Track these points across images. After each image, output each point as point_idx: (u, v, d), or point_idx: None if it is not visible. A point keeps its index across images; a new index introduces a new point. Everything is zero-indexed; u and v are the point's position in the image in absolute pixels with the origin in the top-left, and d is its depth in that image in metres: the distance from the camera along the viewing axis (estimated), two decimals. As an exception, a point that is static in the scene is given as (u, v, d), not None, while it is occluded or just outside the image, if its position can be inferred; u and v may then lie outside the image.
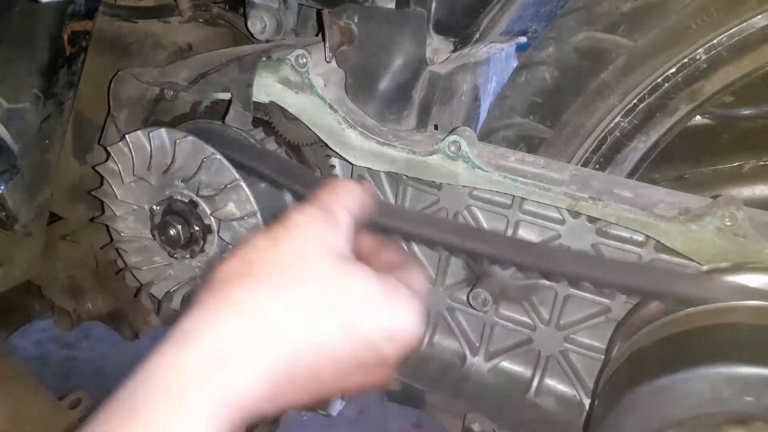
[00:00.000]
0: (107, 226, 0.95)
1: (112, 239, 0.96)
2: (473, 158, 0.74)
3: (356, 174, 0.88)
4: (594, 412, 0.67)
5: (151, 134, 0.85)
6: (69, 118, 1.09)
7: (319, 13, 0.86)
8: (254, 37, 0.97)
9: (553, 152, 0.90)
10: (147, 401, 0.42)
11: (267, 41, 0.98)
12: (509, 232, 0.80)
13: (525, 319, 0.84)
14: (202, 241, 0.87)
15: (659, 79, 0.84)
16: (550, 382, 0.85)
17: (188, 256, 0.89)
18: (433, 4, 0.78)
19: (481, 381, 0.87)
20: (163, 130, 0.86)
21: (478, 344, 0.88)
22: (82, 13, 0.96)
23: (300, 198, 0.78)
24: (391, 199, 0.87)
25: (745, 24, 0.78)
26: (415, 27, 0.79)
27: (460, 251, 0.72)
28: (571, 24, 0.88)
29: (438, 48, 0.81)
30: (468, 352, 0.88)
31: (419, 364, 0.89)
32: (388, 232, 0.68)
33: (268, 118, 0.89)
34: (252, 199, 0.83)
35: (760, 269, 0.63)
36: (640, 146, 0.88)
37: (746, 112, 1.03)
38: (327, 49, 0.78)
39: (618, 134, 0.88)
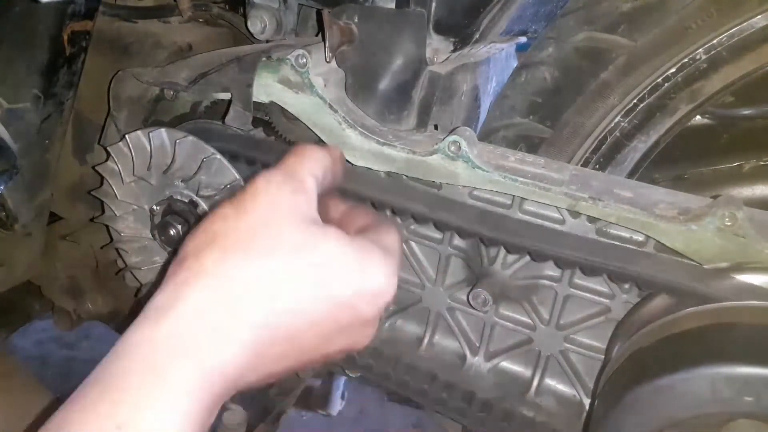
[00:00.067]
0: (107, 226, 0.96)
1: (112, 239, 0.96)
2: (473, 158, 0.74)
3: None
4: (594, 412, 0.67)
5: (151, 134, 0.85)
6: (69, 118, 1.09)
7: (319, 13, 0.86)
8: (254, 37, 0.97)
9: (553, 152, 0.91)
10: (125, 377, 0.41)
11: (267, 41, 0.98)
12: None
13: (525, 319, 0.84)
14: (202, 241, 0.87)
15: (659, 79, 0.84)
16: (550, 382, 0.85)
17: (188, 256, 0.89)
18: (433, 4, 0.78)
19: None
20: (163, 130, 0.86)
21: (478, 344, 0.88)
22: (82, 13, 0.96)
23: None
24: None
25: (745, 24, 0.78)
26: (415, 27, 0.79)
27: (428, 220, 0.74)
28: (571, 24, 0.88)
29: (438, 48, 0.81)
30: (468, 352, 0.88)
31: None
32: (357, 196, 0.68)
33: (268, 118, 0.89)
34: (252, 199, 0.83)
35: (760, 269, 0.63)
36: (640, 146, 0.88)
37: (746, 112, 1.03)
38: (327, 49, 0.78)
39: (618, 134, 0.88)
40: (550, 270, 0.80)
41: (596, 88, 0.87)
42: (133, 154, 0.87)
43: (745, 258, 0.64)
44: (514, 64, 1.07)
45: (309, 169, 0.53)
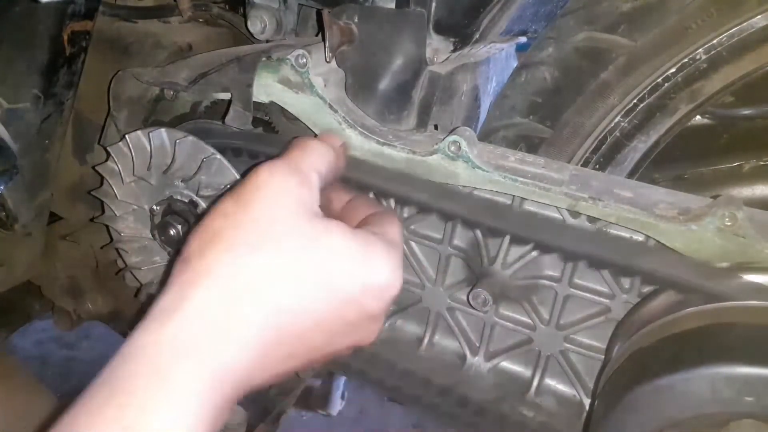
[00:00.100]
0: (107, 226, 0.95)
1: (112, 239, 0.96)
2: (473, 158, 0.74)
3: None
4: (594, 412, 0.67)
5: (151, 134, 0.85)
6: (69, 118, 1.09)
7: (319, 13, 0.86)
8: (254, 37, 0.97)
9: (553, 152, 0.91)
10: (132, 380, 0.40)
11: (267, 41, 0.98)
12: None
13: (525, 319, 0.84)
14: (202, 241, 0.87)
15: (659, 79, 0.84)
16: (550, 382, 0.85)
17: (188, 256, 0.89)
18: (433, 4, 0.78)
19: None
20: (163, 130, 0.86)
21: (478, 344, 0.88)
22: (82, 13, 0.96)
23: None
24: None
25: (745, 24, 0.78)
26: (415, 27, 0.79)
27: (431, 210, 0.74)
28: (571, 24, 0.88)
29: (438, 48, 0.82)
30: (468, 352, 0.88)
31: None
32: (359, 187, 0.67)
33: (268, 118, 0.89)
34: (252, 199, 0.83)
35: (760, 269, 0.63)
36: (640, 146, 0.88)
37: (746, 112, 1.03)
38: (327, 49, 0.78)
39: (618, 134, 0.88)
40: (550, 270, 0.80)
41: (596, 88, 0.87)
42: (133, 154, 0.87)
43: (745, 258, 0.64)
44: (514, 64, 1.07)
45: (312, 162, 0.52)
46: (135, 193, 0.90)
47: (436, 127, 0.89)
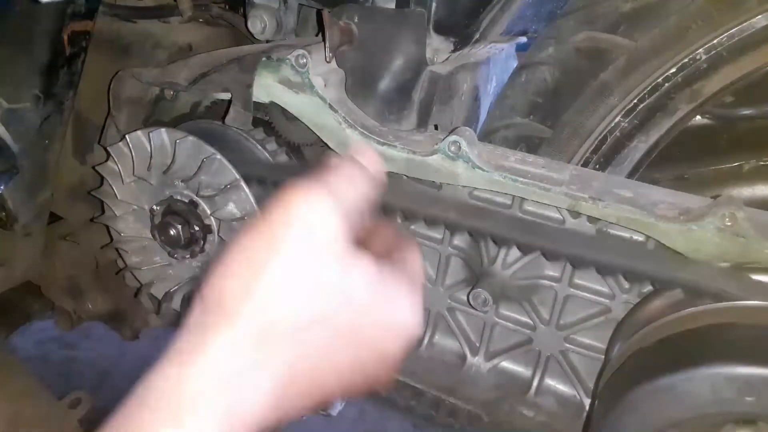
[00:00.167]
0: (107, 226, 0.95)
1: (112, 239, 0.96)
2: (473, 158, 0.74)
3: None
4: (594, 412, 0.67)
5: (151, 134, 0.85)
6: (69, 118, 1.09)
7: (319, 13, 0.86)
8: (254, 37, 0.97)
9: (553, 152, 0.90)
10: (148, 420, 0.40)
11: (267, 41, 0.98)
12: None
13: (525, 319, 0.84)
14: (202, 242, 0.87)
15: (659, 79, 0.84)
16: (550, 382, 0.85)
17: (188, 256, 0.89)
18: (433, 4, 0.78)
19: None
20: (163, 130, 0.86)
21: (478, 344, 0.88)
22: (82, 13, 0.97)
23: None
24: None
25: (745, 24, 0.78)
26: (416, 27, 0.79)
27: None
28: (571, 24, 0.88)
29: (438, 48, 0.81)
30: (468, 352, 0.88)
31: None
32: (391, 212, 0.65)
33: (268, 118, 0.89)
34: (252, 199, 0.83)
35: (760, 269, 0.63)
36: (640, 146, 0.88)
37: (746, 112, 1.03)
38: (327, 49, 0.78)
39: (618, 134, 0.88)
40: (550, 270, 0.80)
41: (596, 88, 0.87)
42: (133, 154, 0.87)
43: (745, 258, 0.64)
44: (514, 64, 1.07)
45: (352, 191, 0.47)
46: (135, 193, 0.90)
47: (436, 127, 0.89)
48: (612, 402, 0.61)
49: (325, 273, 0.44)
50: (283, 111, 0.85)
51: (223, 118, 0.87)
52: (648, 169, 0.92)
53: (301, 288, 0.43)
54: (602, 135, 0.88)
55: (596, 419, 0.64)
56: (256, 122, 0.89)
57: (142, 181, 0.88)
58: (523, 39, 1.00)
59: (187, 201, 0.86)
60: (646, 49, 0.83)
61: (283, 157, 0.92)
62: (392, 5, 0.80)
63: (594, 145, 0.89)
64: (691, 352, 0.58)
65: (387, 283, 0.47)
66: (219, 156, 0.83)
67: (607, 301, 0.77)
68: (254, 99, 0.84)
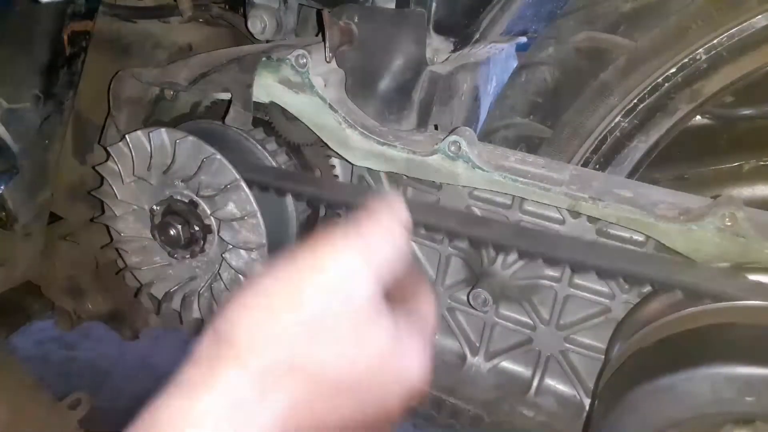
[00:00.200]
0: (107, 226, 0.95)
1: (112, 239, 0.96)
2: (473, 158, 0.74)
3: (356, 174, 0.88)
4: (594, 412, 0.67)
5: (151, 134, 0.85)
6: (69, 118, 1.09)
7: (319, 13, 0.86)
8: (254, 37, 0.97)
9: (553, 152, 0.90)
10: None
11: (267, 41, 0.98)
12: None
13: (525, 319, 0.84)
14: (202, 241, 0.87)
15: (659, 79, 0.84)
16: (550, 382, 0.85)
17: (188, 256, 0.89)
18: (434, 4, 0.78)
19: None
20: (163, 130, 0.86)
21: (478, 344, 0.88)
22: (82, 13, 0.97)
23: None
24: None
25: (745, 24, 0.78)
26: (416, 27, 0.79)
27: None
28: (571, 24, 0.88)
29: (438, 48, 0.81)
30: (468, 352, 0.88)
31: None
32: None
33: (268, 118, 0.89)
34: (252, 200, 0.83)
35: (760, 269, 0.63)
36: (640, 146, 0.88)
37: (746, 112, 1.03)
38: (327, 49, 0.78)
39: (618, 134, 0.88)
40: (550, 270, 0.80)
41: (596, 88, 0.87)
42: (133, 154, 0.87)
43: (745, 258, 0.64)
44: (514, 64, 1.07)
45: (382, 247, 0.46)
46: (135, 193, 0.90)
47: (436, 127, 0.89)
48: (612, 402, 0.61)
49: (345, 328, 0.43)
50: (283, 111, 0.85)
51: (223, 118, 0.87)
52: (648, 169, 0.92)
53: (318, 338, 0.43)
54: (602, 135, 0.88)
55: (596, 419, 0.64)
56: (256, 122, 0.89)
57: (142, 181, 0.88)
58: (523, 39, 1.00)
59: (187, 201, 0.86)
60: (646, 49, 0.83)
61: (283, 157, 0.92)
62: (392, 5, 0.80)
63: (594, 145, 0.89)
64: (691, 352, 0.58)
65: (401, 339, 0.46)
66: (219, 156, 0.83)
67: (607, 301, 0.77)
68: (254, 99, 0.84)
